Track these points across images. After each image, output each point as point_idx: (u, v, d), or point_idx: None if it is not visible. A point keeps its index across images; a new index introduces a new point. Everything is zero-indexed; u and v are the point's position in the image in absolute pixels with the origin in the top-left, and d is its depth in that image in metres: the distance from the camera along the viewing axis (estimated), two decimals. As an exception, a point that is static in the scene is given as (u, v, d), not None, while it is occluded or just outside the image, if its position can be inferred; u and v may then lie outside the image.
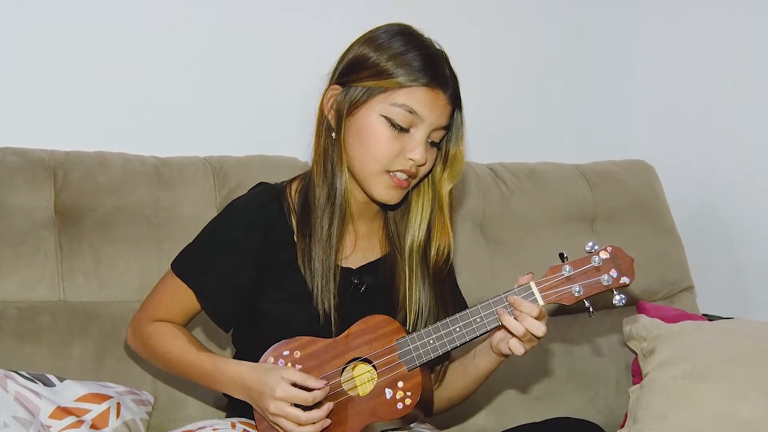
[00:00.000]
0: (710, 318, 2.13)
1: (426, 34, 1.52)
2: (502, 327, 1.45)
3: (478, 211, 2.11)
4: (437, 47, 1.50)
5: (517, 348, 1.43)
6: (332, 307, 1.49)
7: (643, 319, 2.03)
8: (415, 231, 1.55)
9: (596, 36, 2.51)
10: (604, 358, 2.10)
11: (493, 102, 2.35)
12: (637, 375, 2.02)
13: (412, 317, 1.54)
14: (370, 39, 1.50)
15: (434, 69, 1.46)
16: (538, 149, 2.35)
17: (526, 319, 1.40)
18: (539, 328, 1.40)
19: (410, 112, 1.45)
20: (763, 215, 2.27)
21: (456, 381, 1.58)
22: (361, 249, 1.58)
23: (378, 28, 1.51)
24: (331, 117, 1.51)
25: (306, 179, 1.56)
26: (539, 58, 2.45)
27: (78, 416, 1.58)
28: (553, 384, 2.03)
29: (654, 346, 1.95)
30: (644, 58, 2.54)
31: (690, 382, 1.84)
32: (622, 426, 1.94)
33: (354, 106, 1.48)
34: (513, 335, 1.43)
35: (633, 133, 2.56)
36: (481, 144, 2.11)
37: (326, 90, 1.52)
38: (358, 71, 1.48)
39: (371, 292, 1.56)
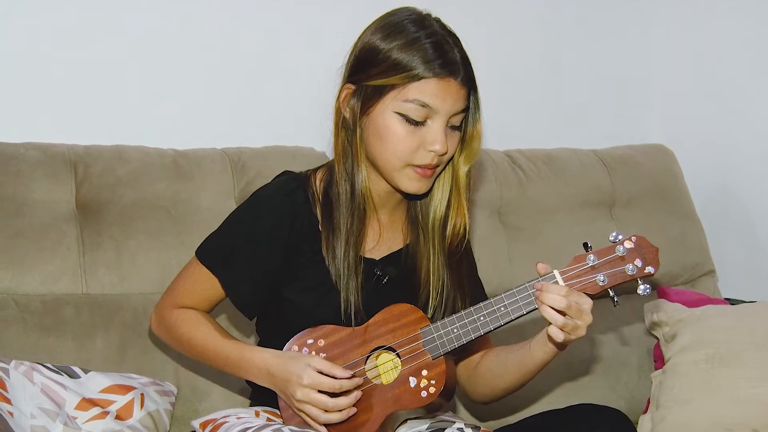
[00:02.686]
0: (732, 302, 2.12)
1: (433, 14, 1.50)
2: (525, 315, 1.45)
3: (496, 198, 2.10)
4: (443, 30, 1.47)
5: (557, 334, 1.41)
6: (358, 300, 1.50)
7: (664, 304, 2.02)
8: (436, 207, 1.55)
9: (613, 21, 2.49)
10: (626, 344, 2.09)
11: (510, 88, 2.34)
12: (659, 360, 2.02)
13: (434, 294, 1.54)
14: (374, 31, 1.48)
15: (442, 57, 1.44)
16: (555, 135, 2.35)
17: (547, 297, 1.40)
18: (559, 302, 1.38)
19: (423, 105, 1.44)
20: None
21: (512, 371, 1.55)
22: (384, 240, 1.58)
23: (381, 18, 1.50)
24: (347, 116, 1.51)
25: (330, 170, 1.56)
26: (556, 44, 2.43)
27: (103, 407, 1.60)
28: (575, 371, 2.03)
29: (676, 330, 1.95)
30: (661, 43, 2.52)
31: (712, 367, 1.83)
32: (645, 411, 1.95)
33: (368, 105, 1.47)
34: (550, 323, 1.42)
35: (651, 117, 2.54)
36: (498, 131, 2.11)
37: (340, 89, 1.51)
38: (367, 69, 1.47)
39: (394, 282, 1.56)
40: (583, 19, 2.46)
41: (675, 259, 2.21)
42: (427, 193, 1.55)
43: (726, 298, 2.19)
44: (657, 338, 2.03)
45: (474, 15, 2.27)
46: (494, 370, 1.58)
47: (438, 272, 1.55)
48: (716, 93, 2.41)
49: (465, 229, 1.56)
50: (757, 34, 2.30)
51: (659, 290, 2.11)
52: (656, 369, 2.01)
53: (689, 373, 1.86)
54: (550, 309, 1.40)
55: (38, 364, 1.60)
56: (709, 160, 2.40)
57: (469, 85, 1.48)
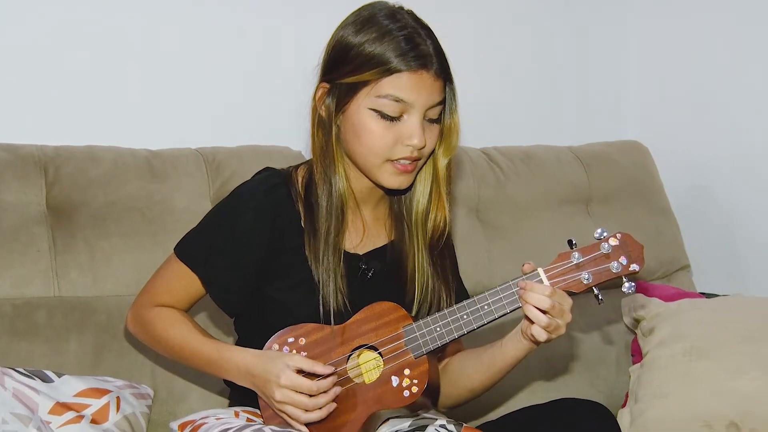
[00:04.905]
0: (707, 296, 2.15)
1: (409, 9, 1.49)
2: (509, 314, 1.45)
3: (473, 196, 2.11)
4: (415, 23, 1.46)
5: (540, 334, 1.42)
6: (339, 301, 1.49)
7: (641, 298, 2.04)
8: (418, 201, 1.54)
9: (588, 18, 2.51)
10: (604, 339, 2.11)
11: (486, 86, 2.34)
12: (637, 354, 2.03)
13: (420, 289, 1.53)
14: (346, 27, 1.47)
15: (413, 50, 1.43)
16: (531, 132, 2.35)
17: (531, 296, 1.40)
18: (543, 302, 1.39)
19: (397, 100, 1.43)
20: (756, 192, 2.28)
21: (479, 371, 1.56)
22: (368, 236, 1.57)
23: (353, 14, 1.49)
24: (323, 115, 1.49)
25: (311, 168, 1.55)
26: (531, 42, 2.44)
27: (77, 411, 1.57)
28: (554, 367, 2.04)
29: (653, 325, 1.97)
30: (636, 40, 2.54)
31: (690, 360, 1.85)
32: (624, 406, 1.96)
33: (342, 103, 1.46)
34: (532, 322, 1.42)
35: (626, 114, 2.56)
36: (475, 128, 2.10)
37: (316, 89, 1.50)
38: (340, 66, 1.46)
39: (379, 277, 1.55)
40: (559, 17, 2.48)
41: (651, 254, 2.16)
42: (410, 188, 1.54)
43: (701, 293, 2.22)
44: (635, 333, 2.05)
45: (450, 14, 2.27)
46: (462, 370, 1.58)
47: (423, 268, 1.54)
48: (690, 90, 2.43)
49: (445, 222, 1.55)
50: (733, 33, 2.32)
51: (637, 285, 2.12)
52: (634, 363, 2.02)
53: (667, 367, 1.87)
54: (535, 309, 1.41)
55: (10, 368, 1.58)
56: (684, 157, 2.42)
57: (444, 76, 1.47)
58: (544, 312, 1.41)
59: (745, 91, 2.30)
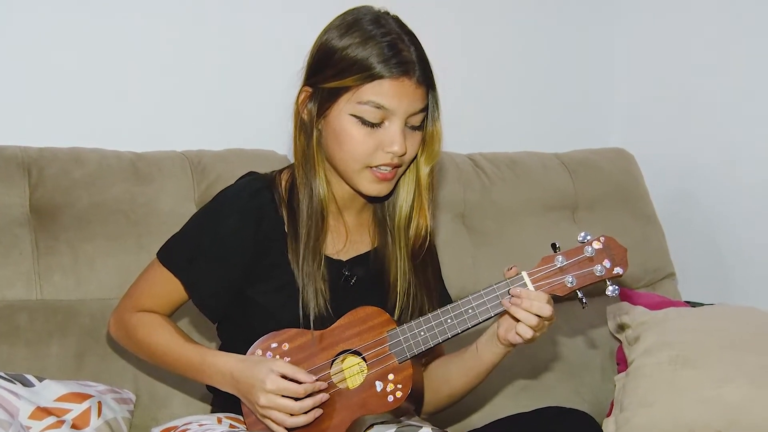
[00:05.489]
0: (692, 305, 2.15)
1: (391, 11, 1.48)
2: (493, 318, 1.45)
3: (459, 202, 2.11)
4: (399, 29, 1.46)
5: (526, 331, 1.42)
6: (320, 305, 1.48)
7: (626, 306, 2.05)
8: (401, 207, 1.54)
9: (574, 25, 2.52)
10: (589, 347, 2.11)
11: (473, 92, 2.35)
12: (622, 363, 2.03)
13: (401, 296, 1.53)
14: (330, 31, 1.47)
15: (395, 57, 1.42)
16: (517, 139, 2.36)
17: (533, 304, 1.40)
18: (545, 310, 1.40)
19: (378, 107, 1.43)
20: (741, 200, 2.29)
21: (457, 377, 1.56)
22: (351, 242, 1.57)
23: (338, 18, 1.49)
24: (306, 119, 1.49)
25: (294, 173, 1.54)
26: (518, 48, 2.45)
27: (58, 416, 1.56)
28: (538, 374, 2.04)
29: (639, 333, 1.97)
30: (622, 47, 2.55)
31: (675, 368, 1.85)
32: (609, 414, 1.96)
33: (324, 108, 1.46)
34: (518, 321, 1.42)
35: (611, 121, 2.57)
36: (461, 134, 2.11)
37: (299, 92, 1.50)
38: (323, 71, 1.45)
39: (362, 283, 1.55)
40: (546, 25, 2.49)
41: (636, 262, 2.19)
42: (391, 195, 1.54)
43: (686, 301, 2.22)
44: (620, 341, 2.05)
45: (439, 20, 2.27)
46: (441, 376, 1.58)
47: (405, 274, 1.54)
48: (675, 98, 2.44)
49: (426, 230, 1.55)
50: (719, 40, 2.34)
51: (621, 293, 2.13)
52: (619, 372, 2.02)
53: (653, 375, 1.88)
54: (526, 312, 1.41)
55: (-10, 372, 1.56)
56: (669, 165, 2.43)
57: (427, 83, 1.46)
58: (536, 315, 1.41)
59: (731, 98, 2.32)
